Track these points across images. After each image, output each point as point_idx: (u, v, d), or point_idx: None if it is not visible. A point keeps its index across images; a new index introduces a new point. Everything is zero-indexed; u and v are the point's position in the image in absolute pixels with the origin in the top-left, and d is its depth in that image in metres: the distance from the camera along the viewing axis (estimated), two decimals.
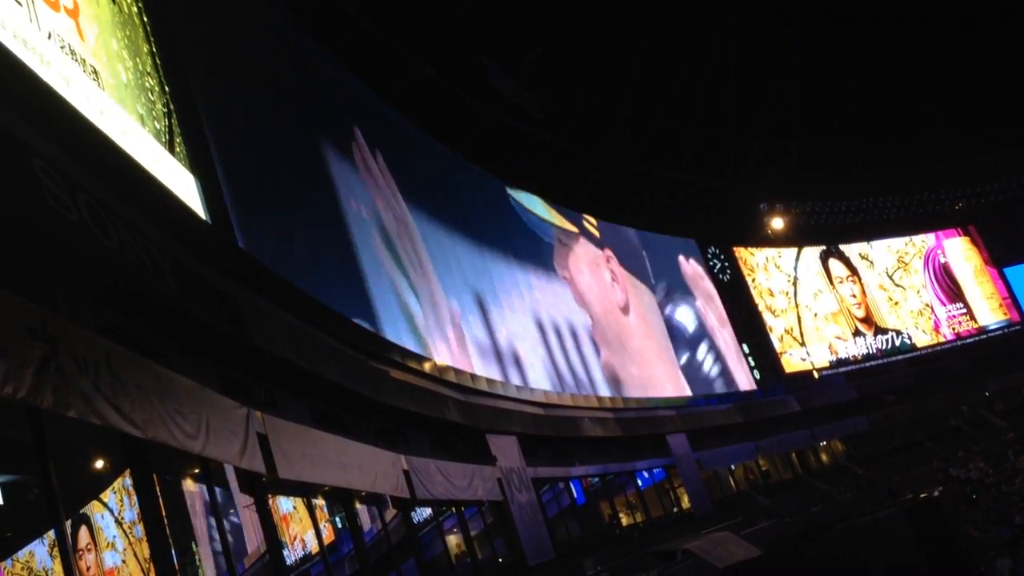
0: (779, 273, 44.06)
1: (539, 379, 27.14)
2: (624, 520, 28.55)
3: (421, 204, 25.06)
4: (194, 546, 11.17)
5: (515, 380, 25.78)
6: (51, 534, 9.35)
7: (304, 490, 14.14)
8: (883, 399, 42.59)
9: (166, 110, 13.14)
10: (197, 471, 11.43)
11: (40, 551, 10.16)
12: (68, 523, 9.36)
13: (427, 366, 21.25)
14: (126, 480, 10.21)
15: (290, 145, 19.57)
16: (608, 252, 34.94)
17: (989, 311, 49.16)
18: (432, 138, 27.64)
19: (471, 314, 25.39)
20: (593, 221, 35.19)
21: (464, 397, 21.90)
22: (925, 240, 49.77)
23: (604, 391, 30.49)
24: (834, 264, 46.52)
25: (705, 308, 39.04)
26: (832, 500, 31.67)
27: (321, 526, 14.61)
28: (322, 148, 20.95)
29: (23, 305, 7.70)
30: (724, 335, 39.29)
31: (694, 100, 37.21)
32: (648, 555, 21.36)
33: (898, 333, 46.16)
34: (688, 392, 35.05)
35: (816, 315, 44.24)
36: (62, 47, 10.35)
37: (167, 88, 13.40)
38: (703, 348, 37.46)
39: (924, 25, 40.05)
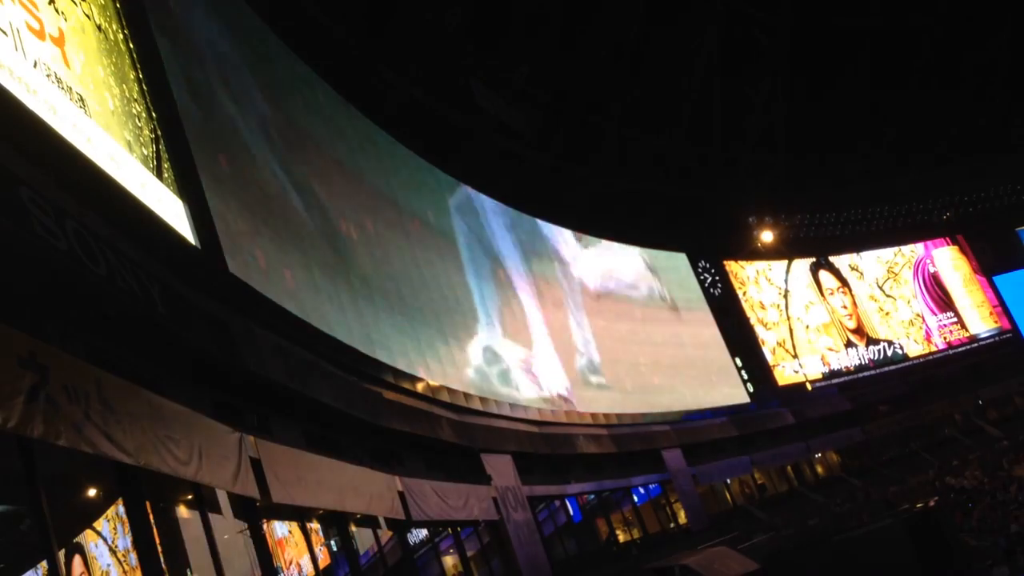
0: (770, 286, 44.15)
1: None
2: (621, 537, 28.47)
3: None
4: (188, 573, 11.10)
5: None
6: (45, 564, 9.28)
7: (299, 514, 14.08)
8: (877, 409, 42.64)
9: (153, 136, 13.14)
10: (190, 497, 11.37)
11: None
12: (62, 553, 9.30)
13: (420, 386, 21.21)
14: (119, 508, 10.15)
15: (280, 167, 19.57)
16: None
17: (980, 320, 49.29)
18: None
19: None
20: None
21: (458, 416, 21.86)
22: (914, 250, 49.92)
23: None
24: (824, 276, 46.63)
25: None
26: (828, 512, 31.64)
27: (316, 550, 14.54)
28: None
29: (12, 335, 7.68)
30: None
31: (681, 115, 37.37)
32: (646, 572, 21.34)
33: (890, 343, 46.24)
34: None
35: (808, 327, 44.30)
36: (48, 75, 10.36)
37: (154, 114, 13.40)
38: None
39: (909, 35, 40.39)
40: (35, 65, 10.14)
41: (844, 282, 47.05)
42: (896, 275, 48.76)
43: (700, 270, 41.08)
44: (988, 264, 50.20)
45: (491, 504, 20.83)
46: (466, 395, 23.41)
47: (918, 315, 48.19)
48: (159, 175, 12.93)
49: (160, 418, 9.53)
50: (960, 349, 48.06)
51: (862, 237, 48.25)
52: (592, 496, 28.16)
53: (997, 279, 50.12)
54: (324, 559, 14.97)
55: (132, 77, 13.11)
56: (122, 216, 11.25)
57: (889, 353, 45.89)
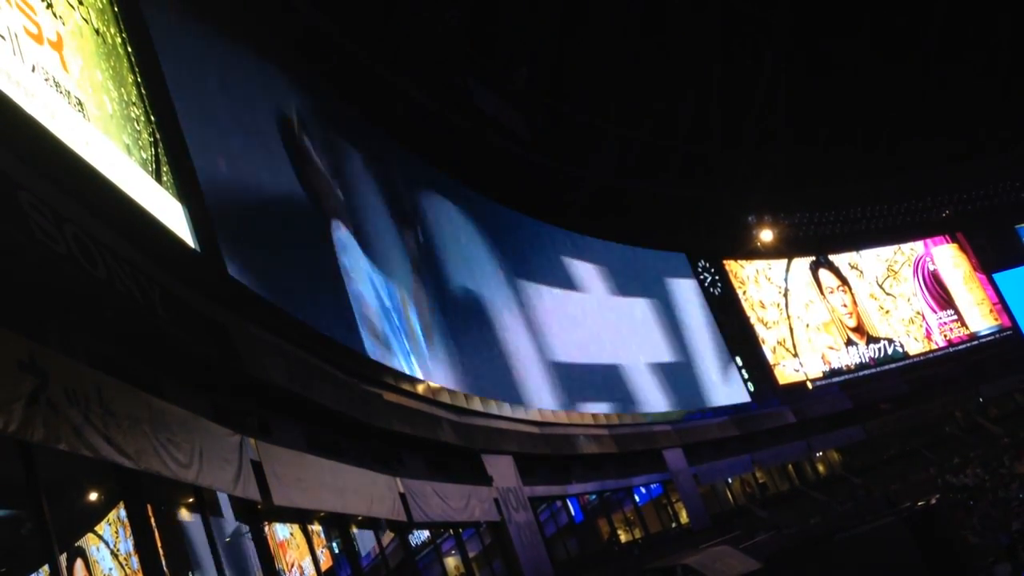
0: (770, 285, 44.13)
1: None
2: (623, 537, 28.46)
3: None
4: (190, 575, 11.11)
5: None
6: (47, 568, 9.28)
7: (300, 516, 14.08)
8: (878, 408, 42.62)
9: (152, 139, 13.14)
10: (191, 500, 11.37)
11: None
12: (63, 557, 9.30)
13: (420, 388, 21.21)
14: (121, 512, 10.15)
15: (278, 168, 19.56)
16: None
17: (980, 317, 49.29)
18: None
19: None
20: None
21: (458, 418, 21.85)
22: (914, 248, 49.90)
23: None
24: (824, 274, 46.60)
25: None
26: (830, 511, 31.66)
27: (318, 552, 14.53)
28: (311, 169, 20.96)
29: (12, 339, 7.68)
30: None
31: (680, 115, 37.37)
32: (647, 571, 21.34)
33: (890, 341, 46.22)
34: None
35: (808, 326, 44.28)
36: (46, 79, 10.36)
37: (152, 117, 13.40)
38: None
39: (907, 33, 40.43)
40: (33, 69, 10.14)
41: (844, 280, 47.03)
42: (896, 273, 48.75)
43: (700, 270, 41.07)
44: (988, 261, 50.20)
45: (492, 505, 20.83)
46: (466, 396, 23.40)
47: (918, 313, 48.18)
48: (158, 178, 12.92)
49: (161, 421, 9.53)
50: (960, 347, 48.05)
51: (862, 235, 48.25)
52: (593, 496, 28.15)
53: (997, 276, 50.11)
54: (326, 561, 14.97)
55: (131, 80, 13.11)
56: (121, 220, 11.25)
57: (889, 351, 45.88)
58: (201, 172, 14.69)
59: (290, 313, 16.57)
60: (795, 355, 42.69)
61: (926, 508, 20.44)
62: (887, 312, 47.35)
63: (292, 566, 13.79)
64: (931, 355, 47.05)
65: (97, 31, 12.44)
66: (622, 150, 36.59)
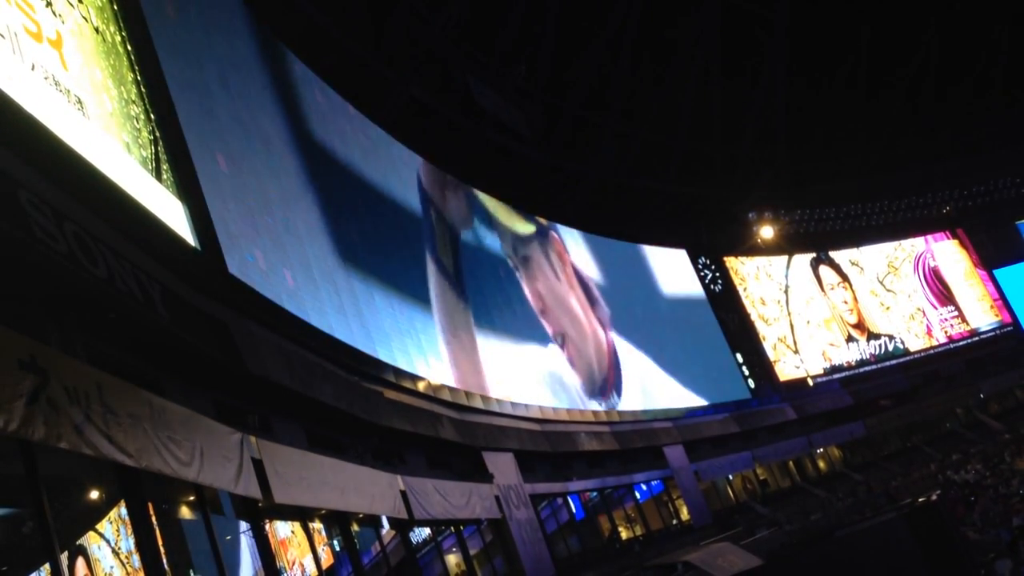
0: (770, 281, 44.10)
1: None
2: (624, 534, 28.47)
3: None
4: (191, 573, 11.10)
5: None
6: (48, 567, 9.28)
7: (301, 514, 14.09)
8: (878, 404, 42.64)
9: (152, 137, 13.13)
10: (192, 498, 11.37)
11: None
12: (64, 555, 9.29)
13: (421, 385, 21.20)
14: (122, 510, 10.15)
15: (279, 166, 19.56)
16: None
17: (981, 313, 49.28)
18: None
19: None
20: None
21: (459, 415, 21.86)
22: (914, 244, 49.87)
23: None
24: (825, 271, 46.59)
25: None
26: (831, 507, 31.66)
27: (319, 550, 14.54)
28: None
29: (12, 337, 7.67)
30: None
31: (680, 111, 37.35)
32: (648, 568, 21.32)
33: (891, 338, 46.21)
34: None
35: (809, 322, 44.26)
36: (46, 78, 10.35)
37: (152, 116, 13.39)
38: None
39: (906, 29, 40.40)
40: (33, 68, 10.13)
41: (845, 277, 47.01)
42: (896, 269, 48.71)
43: (700, 266, 41.06)
44: (988, 257, 50.20)
45: (493, 502, 20.83)
46: (467, 393, 23.40)
47: (919, 309, 48.16)
48: (158, 176, 12.92)
49: (161, 420, 9.52)
50: (961, 343, 48.06)
51: (862, 231, 48.24)
52: (594, 493, 28.14)
53: (997, 272, 50.11)
54: (327, 559, 14.97)
55: (130, 79, 13.10)
56: (122, 218, 11.25)
57: (890, 347, 45.88)
58: (201, 170, 14.69)
59: (291, 311, 16.58)
60: (796, 352, 42.70)
61: (927, 504, 20.41)
62: (888, 308, 47.35)
63: (293, 564, 13.80)
64: (932, 351, 47.06)
65: (96, 29, 12.43)
66: (622, 147, 36.57)
